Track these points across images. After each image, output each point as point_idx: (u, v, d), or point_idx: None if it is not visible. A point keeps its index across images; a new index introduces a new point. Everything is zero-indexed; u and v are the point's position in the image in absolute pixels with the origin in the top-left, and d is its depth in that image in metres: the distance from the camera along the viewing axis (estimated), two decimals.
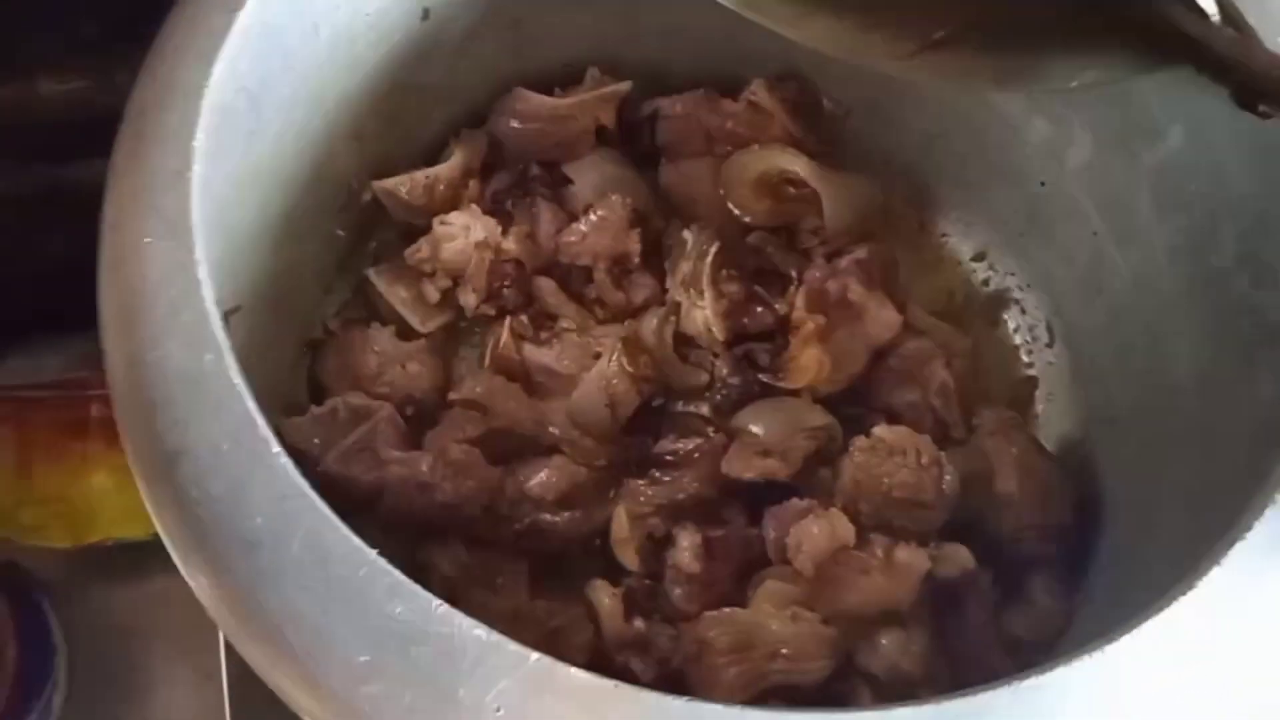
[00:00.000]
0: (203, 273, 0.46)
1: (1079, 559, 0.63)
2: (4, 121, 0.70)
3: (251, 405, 0.44)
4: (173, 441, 0.44)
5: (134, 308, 0.46)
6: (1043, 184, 0.68)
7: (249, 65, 0.55)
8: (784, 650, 0.57)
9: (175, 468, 0.42)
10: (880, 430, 0.63)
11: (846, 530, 0.59)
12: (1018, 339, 0.74)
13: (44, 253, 0.73)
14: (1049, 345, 0.73)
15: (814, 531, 0.59)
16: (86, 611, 0.75)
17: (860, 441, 0.62)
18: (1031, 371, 0.73)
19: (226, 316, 0.52)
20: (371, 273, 0.70)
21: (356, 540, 0.42)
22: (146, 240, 0.47)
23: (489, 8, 0.67)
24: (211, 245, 0.49)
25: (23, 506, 0.69)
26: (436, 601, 0.40)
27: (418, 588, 0.41)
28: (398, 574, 0.41)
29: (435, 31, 0.66)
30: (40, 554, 0.71)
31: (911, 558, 0.58)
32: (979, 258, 0.75)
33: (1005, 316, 0.74)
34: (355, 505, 0.62)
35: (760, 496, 0.63)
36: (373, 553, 0.41)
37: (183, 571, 0.43)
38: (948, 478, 0.62)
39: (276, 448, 0.43)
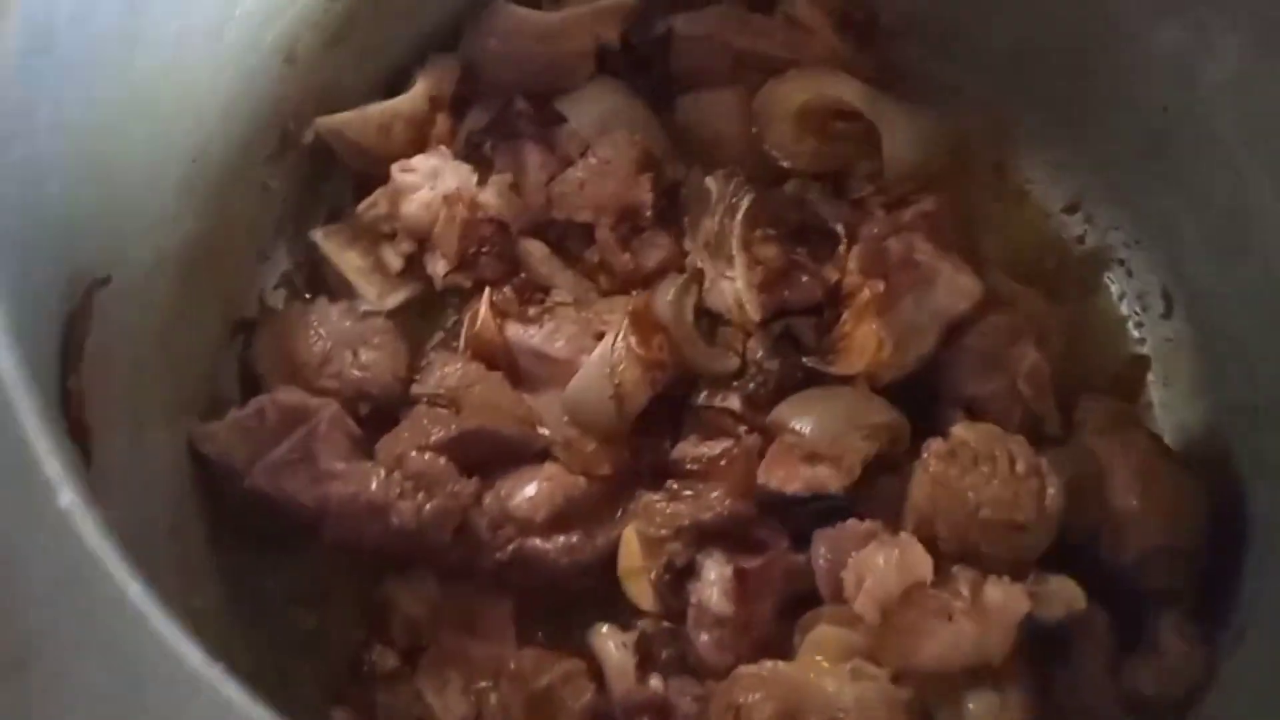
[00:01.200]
0: None
1: (1218, 590, 0.56)
2: None
3: (27, 404, 0.28)
4: None
5: None
6: (1166, 109, 0.59)
7: None
8: (843, 718, 0.50)
9: None
10: (961, 430, 0.55)
11: (921, 562, 0.52)
12: (1123, 309, 0.65)
13: None
14: (1164, 316, 0.64)
15: (879, 563, 0.52)
16: None
17: (936, 445, 0.55)
18: (1142, 349, 0.64)
19: (90, 289, 0.42)
20: (318, 235, 0.62)
21: (191, 647, 0.26)
22: None
23: None
24: (76, 185, 0.37)
25: None
26: None
27: None
28: (255, 710, 0.26)
29: None
30: None
31: (1006, 597, 0.51)
32: (1071, 209, 0.67)
33: (1107, 281, 0.65)
34: (297, 531, 0.55)
35: (806, 514, 0.56)
36: (216, 669, 0.26)
37: None
38: (1051, 491, 0.54)
39: (68, 497, 0.28)
